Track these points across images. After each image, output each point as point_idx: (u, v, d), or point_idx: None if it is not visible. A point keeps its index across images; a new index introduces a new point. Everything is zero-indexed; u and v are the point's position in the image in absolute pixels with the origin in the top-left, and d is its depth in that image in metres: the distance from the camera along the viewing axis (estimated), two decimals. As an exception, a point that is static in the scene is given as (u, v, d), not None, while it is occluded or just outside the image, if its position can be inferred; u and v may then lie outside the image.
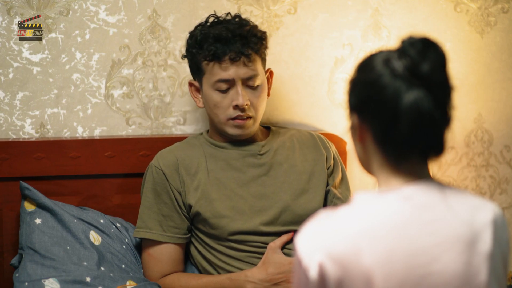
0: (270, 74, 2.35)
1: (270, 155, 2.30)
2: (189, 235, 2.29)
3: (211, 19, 2.30)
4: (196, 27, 2.31)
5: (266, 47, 2.31)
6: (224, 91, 2.22)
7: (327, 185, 2.32)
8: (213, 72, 2.21)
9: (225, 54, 2.18)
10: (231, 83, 2.21)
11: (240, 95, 2.20)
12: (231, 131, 2.25)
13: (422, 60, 1.37)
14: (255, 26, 2.28)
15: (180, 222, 2.25)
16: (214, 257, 2.27)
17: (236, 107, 2.21)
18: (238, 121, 2.23)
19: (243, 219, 2.22)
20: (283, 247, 2.22)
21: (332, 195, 2.30)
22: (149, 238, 2.25)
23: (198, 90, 2.31)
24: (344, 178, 2.36)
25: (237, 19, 2.28)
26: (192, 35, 2.28)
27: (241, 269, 2.23)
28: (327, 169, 2.32)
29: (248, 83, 2.22)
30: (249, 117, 2.24)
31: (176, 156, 2.30)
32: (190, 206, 2.24)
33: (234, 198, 2.23)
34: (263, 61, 2.29)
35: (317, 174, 2.31)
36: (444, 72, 1.38)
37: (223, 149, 2.30)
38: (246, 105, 2.21)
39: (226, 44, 2.19)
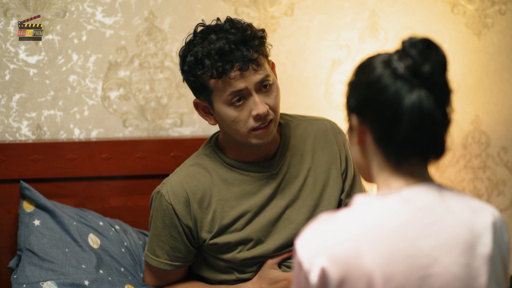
0: (272, 66, 2.18)
1: (284, 170, 2.20)
2: (195, 258, 2.27)
3: (199, 29, 2.12)
4: (188, 44, 2.10)
5: (266, 43, 2.15)
6: (240, 104, 2.06)
7: (342, 191, 2.25)
8: (223, 88, 2.05)
9: (232, 67, 2.03)
10: (244, 93, 2.06)
11: (258, 104, 2.05)
12: (255, 141, 2.10)
13: (424, 60, 1.37)
14: (253, 26, 2.12)
15: (187, 253, 2.21)
16: (218, 274, 2.25)
17: (257, 116, 2.06)
18: (261, 131, 2.09)
19: (257, 246, 2.19)
20: (282, 262, 2.21)
21: (344, 204, 2.24)
22: (157, 266, 2.22)
23: (206, 108, 2.15)
24: (356, 176, 2.28)
25: (230, 24, 2.09)
26: (189, 54, 2.08)
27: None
28: (342, 175, 2.26)
29: (261, 86, 2.07)
30: (270, 121, 2.09)
31: (186, 190, 2.16)
32: (204, 240, 2.17)
33: (249, 228, 2.19)
34: (268, 57, 2.14)
35: (331, 183, 2.22)
36: (445, 73, 1.39)
37: (237, 171, 2.18)
38: (267, 111, 2.07)
39: (231, 56, 2.03)
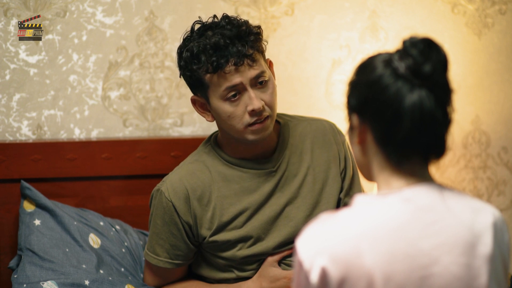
0: (270, 64, 2.20)
1: (283, 168, 2.20)
2: (194, 256, 2.26)
3: (196, 26, 2.13)
4: (185, 40, 2.12)
5: (262, 40, 2.16)
6: (235, 99, 2.07)
7: (341, 190, 2.26)
8: (219, 83, 2.07)
9: (227, 61, 2.04)
10: (239, 88, 2.07)
11: (253, 99, 2.06)
12: (251, 137, 2.11)
13: (424, 60, 1.37)
14: (248, 23, 2.14)
15: (187, 251, 2.21)
16: (218, 273, 2.25)
17: (252, 112, 2.07)
18: (257, 126, 2.09)
19: (257, 244, 2.20)
20: (282, 260, 2.21)
21: (343, 203, 2.25)
22: (156, 264, 2.22)
23: (204, 105, 2.16)
24: (355, 175, 2.28)
25: (226, 21, 2.11)
26: (185, 49, 2.10)
27: None
28: (340, 174, 2.26)
29: (256, 82, 2.08)
30: (267, 117, 2.10)
31: (186, 187, 2.17)
32: (203, 237, 2.18)
33: (248, 225, 2.19)
34: (263, 54, 2.15)
35: (331, 182, 2.23)
36: (446, 73, 1.39)
37: (236, 168, 2.19)
38: (262, 106, 2.08)
39: (227, 51, 2.04)
